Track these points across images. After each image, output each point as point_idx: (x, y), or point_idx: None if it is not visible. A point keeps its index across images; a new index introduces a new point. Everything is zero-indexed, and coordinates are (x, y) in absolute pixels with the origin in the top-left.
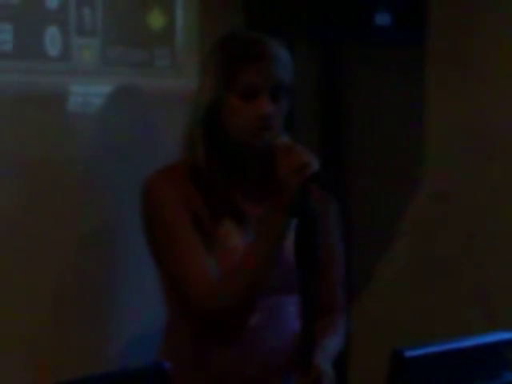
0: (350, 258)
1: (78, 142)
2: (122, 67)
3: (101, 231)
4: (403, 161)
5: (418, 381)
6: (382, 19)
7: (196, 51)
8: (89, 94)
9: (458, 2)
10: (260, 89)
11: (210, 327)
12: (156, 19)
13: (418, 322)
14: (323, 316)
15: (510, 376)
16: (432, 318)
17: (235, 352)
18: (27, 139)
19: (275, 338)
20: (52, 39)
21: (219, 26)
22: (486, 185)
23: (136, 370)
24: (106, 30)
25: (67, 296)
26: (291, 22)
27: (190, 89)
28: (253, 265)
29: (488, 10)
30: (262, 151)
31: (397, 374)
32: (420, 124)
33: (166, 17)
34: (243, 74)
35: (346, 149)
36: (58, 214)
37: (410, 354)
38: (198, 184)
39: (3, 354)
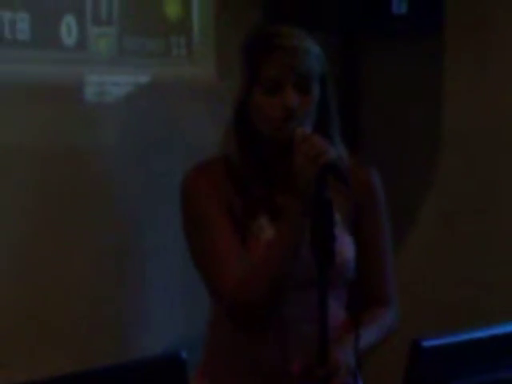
0: None
1: (95, 132)
2: (138, 56)
3: (119, 223)
4: (420, 151)
5: (436, 371)
6: (399, 8)
7: (212, 40)
8: (105, 83)
9: None
10: (282, 81)
11: (237, 319)
12: (172, 8)
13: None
14: (367, 308)
15: None
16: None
17: (275, 344)
18: (43, 129)
19: (315, 331)
20: (68, 28)
21: (236, 14)
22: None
23: (153, 360)
24: (122, 19)
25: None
26: (309, 11)
27: (205, 78)
28: (274, 257)
29: None
30: (289, 143)
31: (414, 364)
32: (437, 111)
33: (183, 6)
34: (264, 68)
35: (362, 138)
36: (77, 206)
37: (427, 343)
38: (233, 179)
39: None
